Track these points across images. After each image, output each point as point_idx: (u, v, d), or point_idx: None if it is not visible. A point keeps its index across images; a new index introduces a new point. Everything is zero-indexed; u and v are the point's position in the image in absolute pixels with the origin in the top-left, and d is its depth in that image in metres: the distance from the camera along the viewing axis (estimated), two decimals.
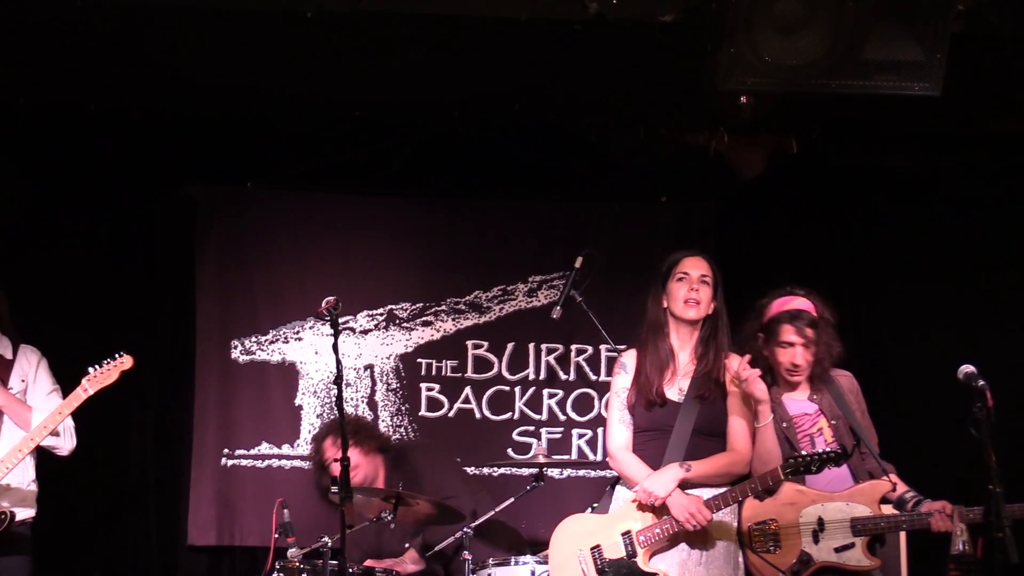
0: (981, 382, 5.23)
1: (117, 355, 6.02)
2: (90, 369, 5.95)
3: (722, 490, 5.31)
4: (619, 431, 5.53)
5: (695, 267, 5.49)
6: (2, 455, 5.87)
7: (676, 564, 5.33)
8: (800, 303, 5.73)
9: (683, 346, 5.52)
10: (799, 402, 5.78)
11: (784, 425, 5.73)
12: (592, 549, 5.39)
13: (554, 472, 7.34)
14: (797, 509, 5.66)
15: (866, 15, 5.32)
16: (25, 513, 6.02)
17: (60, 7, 5.56)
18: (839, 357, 5.80)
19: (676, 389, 5.46)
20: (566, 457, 7.46)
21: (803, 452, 5.29)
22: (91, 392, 5.93)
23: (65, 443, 6.06)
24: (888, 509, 5.67)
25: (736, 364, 5.40)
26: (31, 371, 6.13)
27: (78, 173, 7.30)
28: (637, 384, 5.49)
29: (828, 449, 5.27)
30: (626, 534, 5.36)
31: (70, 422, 6.10)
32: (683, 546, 5.35)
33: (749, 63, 5.38)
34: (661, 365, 5.48)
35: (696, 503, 5.25)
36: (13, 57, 6.12)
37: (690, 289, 5.45)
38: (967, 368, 5.33)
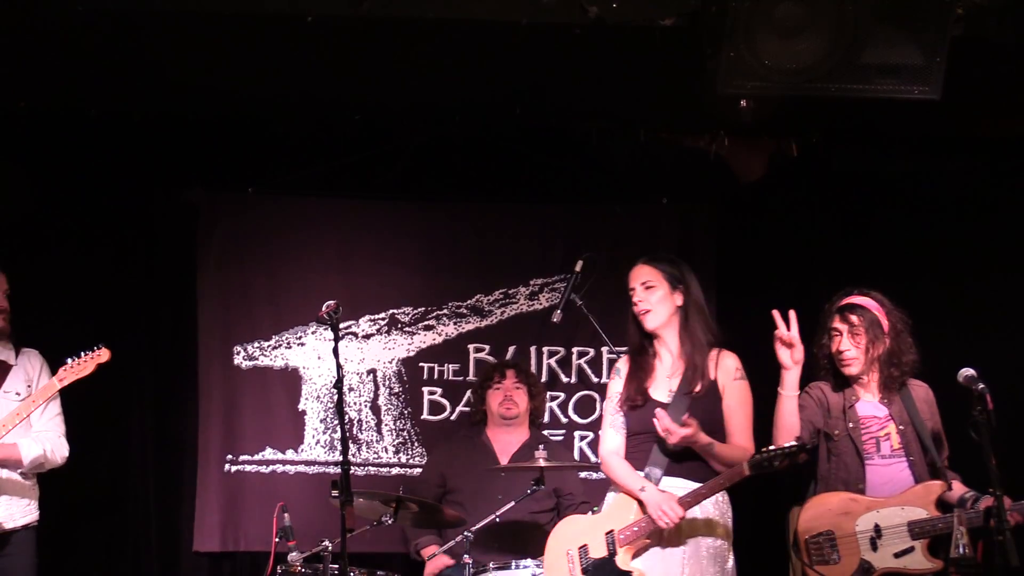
0: (981, 385, 5.24)
1: (95, 347, 6.01)
2: (69, 360, 5.95)
3: (694, 487, 5.31)
4: (610, 436, 5.59)
5: (636, 277, 5.53)
6: None
7: (657, 561, 5.34)
8: (858, 299, 5.81)
9: (665, 347, 5.55)
10: (869, 404, 5.83)
11: (851, 426, 5.77)
12: (580, 549, 5.44)
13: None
14: (852, 518, 5.65)
15: (866, 19, 5.32)
16: (28, 517, 6.03)
17: (61, 11, 5.56)
18: (914, 365, 5.84)
19: (665, 390, 5.48)
20: (568, 460, 7.46)
21: (771, 447, 5.27)
22: (65, 383, 5.93)
23: (53, 457, 6.07)
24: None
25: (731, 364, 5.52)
26: (35, 376, 6.13)
27: (79, 178, 7.30)
28: (627, 388, 5.53)
29: (792, 443, 5.23)
30: (609, 533, 5.39)
31: (56, 430, 6.10)
32: (666, 544, 5.36)
33: (749, 67, 5.38)
34: (647, 368, 5.52)
35: (668, 500, 5.27)
36: (14, 61, 6.12)
37: (636, 302, 5.50)
38: (967, 371, 5.33)
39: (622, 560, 5.33)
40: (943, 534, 5.61)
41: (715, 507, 5.44)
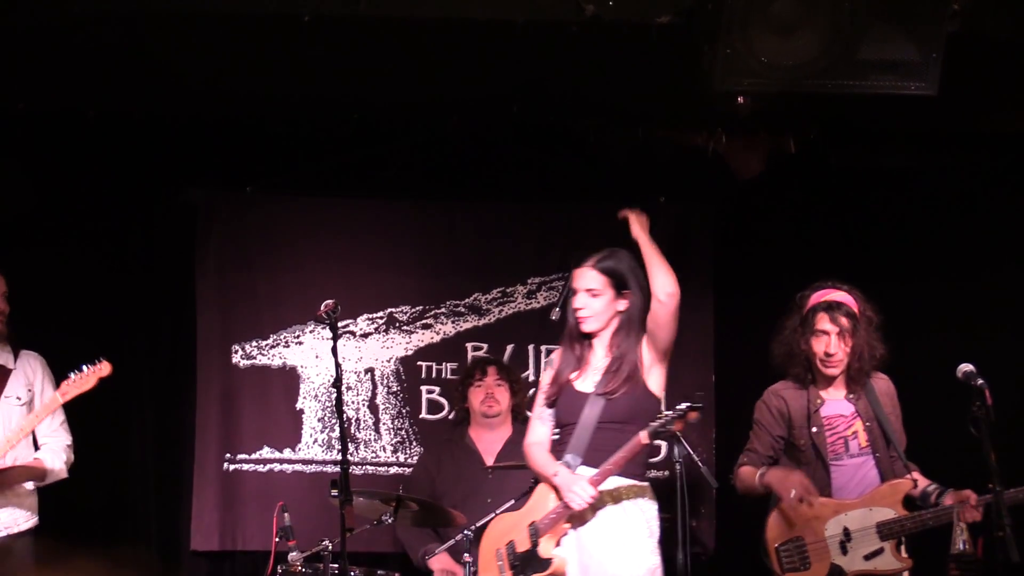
0: (980, 381, 5.25)
1: (96, 361, 6.01)
2: (71, 374, 5.95)
3: (604, 465, 5.25)
4: (534, 427, 5.59)
5: (580, 281, 5.42)
6: None
7: (575, 548, 5.32)
8: (839, 296, 5.77)
9: (598, 343, 5.47)
10: (836, 402, 5.78)
11: (814, 431, 5.74)
12: (507, 545, 5.44)
13: None
14: (821, 522, 5.64)
15: (862, 15, 5.31)
16: (30, 522, 6.03)
17: (59, 12, 5.55)
18: (882, 359, 5.81)
19: (590, 382, 5.41)
20: None
21: (665, 412, 5.23)
22: (68, 397, 5.93)
23: (57, 467, 6.08)
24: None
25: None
26: (37, 380, 6.13)
27: (77, 179, 7.30)
28: (556, 381, 5.50)
29: (682, 406, 5.19)
30: (531, 524, 5.39)
31: (64, 440, 6.12)
32: (586, 526, 5.31)
33: (746, 64, 5.37)
34: (575, 361, 5.46)
35: (578, 480, 5.23)
36: (12, 62, 6.11)
37: (577, 306, 5.41)
38: (966, 367, 5.35)
39: (544, 548, 5.32)
40: (911, 533, 5.62)
41: (635, 505, 5.34)
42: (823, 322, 5.72)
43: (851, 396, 5.78)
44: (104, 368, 6.01)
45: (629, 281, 5.41)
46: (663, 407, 5.33)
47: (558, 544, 5.34)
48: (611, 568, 5.23)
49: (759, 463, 5.89)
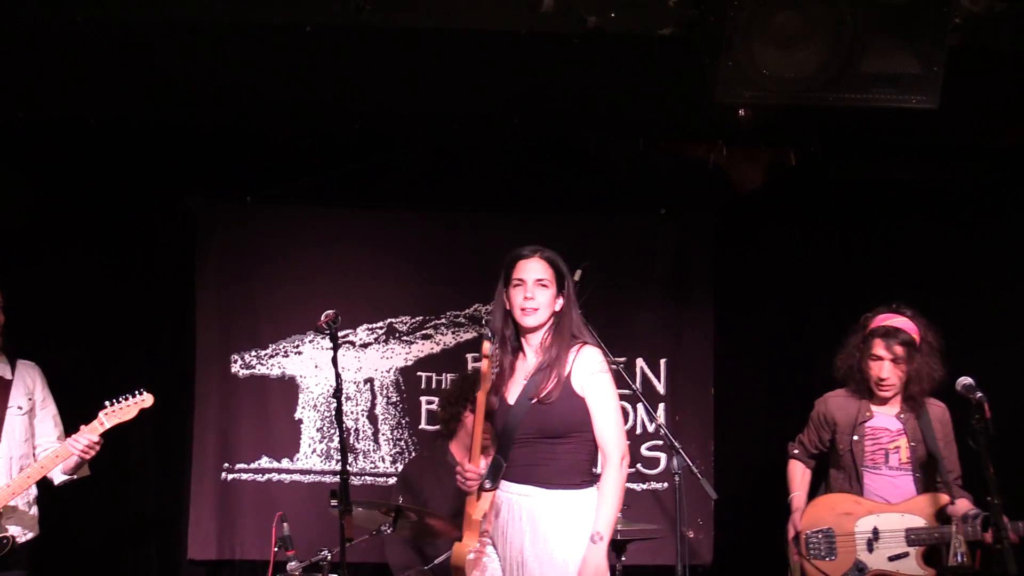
0: (979, 394, 5.27)
1: (137, 392, 5.95)
2: (107, 403, 5.91)
3: (529, 489, 5.03)
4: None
5: (530, 271, 5.10)
6: (3, 474, 5.87)
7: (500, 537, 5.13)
8: (900, 322, 5.89)
9: (531, 347, 5.19)
10: (886, 417, 5.90)
11: (855, 439, 5.83)
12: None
13: None
14: (853, 519, 5.78)
15: (864, 28, 5.32)
16: (32, 532, 6.01)
17: (60, 21, 5.56)
18: (940, 382, 5.87)
19: (519, 390, 5.11)
20: None
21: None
22: (107, 427, 5.88)
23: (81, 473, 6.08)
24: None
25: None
26: (36, 388, 6.11)
27: (78, 187, 7.30)
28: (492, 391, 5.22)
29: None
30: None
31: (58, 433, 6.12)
32: (513, 527, 5.09)
33: (747, 76, 5.38)
34: (508, 366, 5.19)
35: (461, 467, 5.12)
36: (13, 71, 6.12)
37: (525, 297, 5.08)
38: (965, 380, 5.37)
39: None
40: (939, 544, 5.67)
41: (575, 501, 5.04)
42: (878, 348, 5.87)
43: (902, 416, 5.88)
44: (147, 399, 5.93)
45: (567, 280, 5.19)
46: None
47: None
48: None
49: (806, 456, 6.18)
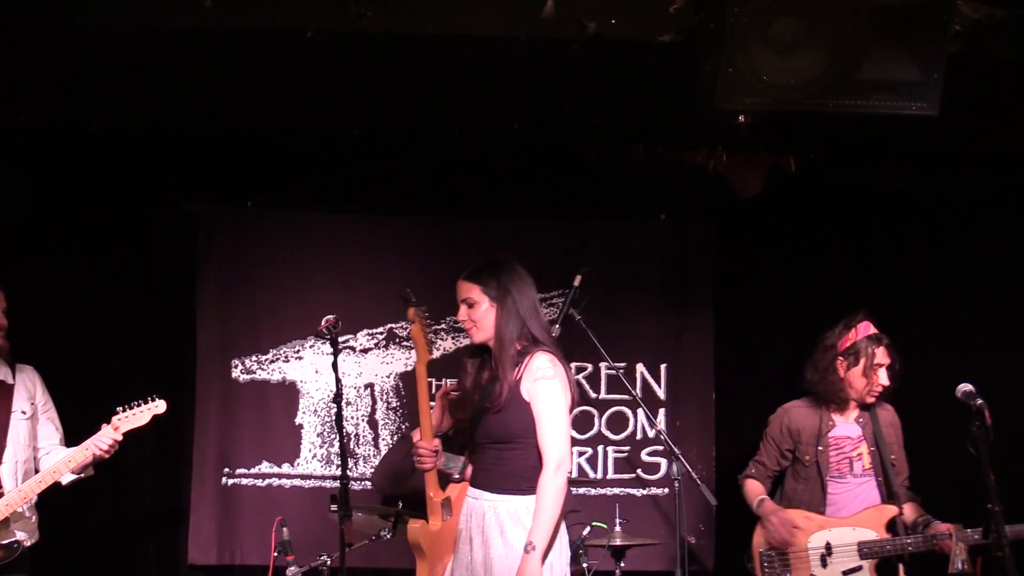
0: (979, 401, 5.28)
1: (150, 398, 5.99)
2: (119, 409, 5.93)
3: (490, 496, 5.13)
4: None
5: (459, 293, 5.32)
6: (9, 479, 5.88)
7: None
8: (874, 328, 5.93)
9: (488, 356, 5.33)
10: (846, 425, 5.95)
11: (820, 450, 5.86)
12: None
13: None
14: (805, 535, 5.79)
15: (864, 35, 5.32)
16: (34, 536, 6.02)
17: (62, 27, 5.57)
18: (891, 386, 6.00)
19: (479, 397, 5.31)
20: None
21: None
22: (121, 432, 5.91)
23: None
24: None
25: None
26: (37, 392, 6.12)
27: (79, 192, 7.31)
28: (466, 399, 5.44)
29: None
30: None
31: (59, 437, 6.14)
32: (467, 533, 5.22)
33: (747, 82, 5.38)
34: (481, 378, 5.34)
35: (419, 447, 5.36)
36: (15, 76, 6.13)
37: (460, 319, 5.33)
38: (965, 387, 5.39)
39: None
40: (891, 556, 5.71)
41: (519, 506, 5.11)
42: (883, 356, 5.98)
43: (860, 420, 5.91)
44: (160, 406, 5.98)
45: (503, 284, 5.27)
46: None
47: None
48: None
49: (764, 476, 6.15)
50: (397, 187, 7.48)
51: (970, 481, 5.33)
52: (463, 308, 5.29)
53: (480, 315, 5.25)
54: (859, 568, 5.80)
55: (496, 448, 5.17)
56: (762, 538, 5.92)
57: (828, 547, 5.80)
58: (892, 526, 5.81)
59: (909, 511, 5.88)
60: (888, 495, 5.89)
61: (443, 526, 5.34)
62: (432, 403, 5.71)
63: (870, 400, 5.96)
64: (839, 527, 5.84)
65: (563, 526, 5.19)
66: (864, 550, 5.79)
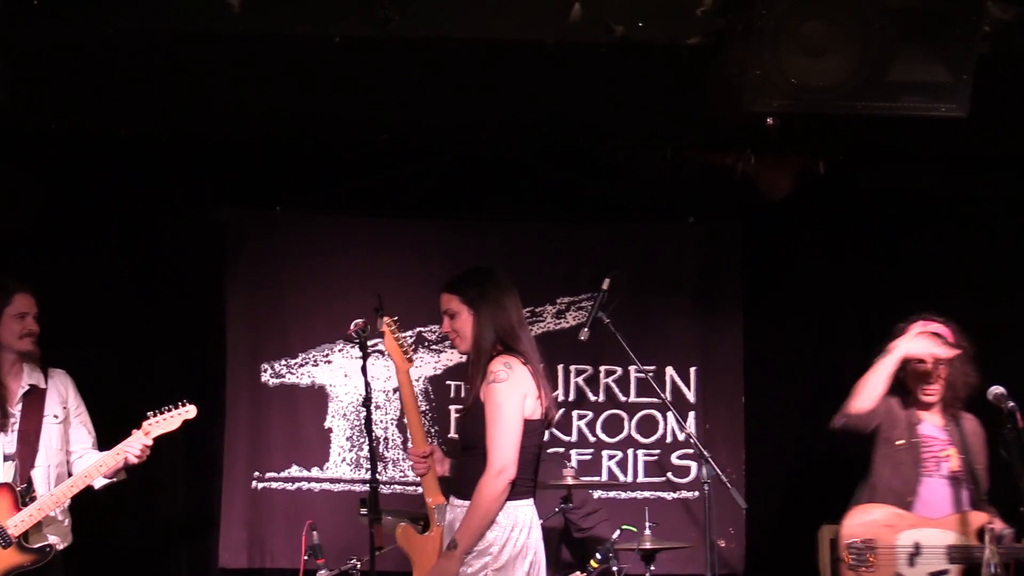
0: (1011, 403, 5.26)
1: (180, 403, 6.01)
2: (149, 414, 5.95)
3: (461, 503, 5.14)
4: None
5: (441, 306, 5.31)
6: (42, 483, 5.91)
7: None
8: (936, 328, 5.91)
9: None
10: (931, 425, 5.93)
11: (914, 440, 5.85)
12: None
13: None
14: (895, 531, 5.78)
15: (892, 37, 5.31)
16: (67, 540, 6.05)
17: (92, 32, 5.60)
18: (974, 389, 5.94)
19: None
20: (596, 479, 7.45)
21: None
22: (152, 437, 5.93)
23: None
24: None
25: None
26: (69, 397, 6.15)
27: (109, 197, 7.35)
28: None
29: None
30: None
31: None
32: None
33: (775, 85, 5.37)
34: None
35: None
36: (44, 82, 6.15)
37: (443, 330, 5.34)
38: (996, 389, 5.37)
39: None
40: (980, 564, 5.65)
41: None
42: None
43: (948, 427, 5.90)
44: (191, 411, 6.00)
45: (473, 298, 5.25)
46: None
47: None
48: None
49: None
50: (425, 191, 7.49)
51: (1002, 483, 5.32)
52: (446, 320, 5.30)
53: (460, 325, 5.26)
54: (946, 572, 5.76)
55: (464, 454, 5.19)
56: (852, 530, 5.86)
57: (917, 547, 5.77)
58: (981, 534, 5.77)
59: (999, 522, 5.85)
60: (976, 501, 5.87)
61: (433, 532, 5.28)
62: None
63: (926, 398, 5.94)
64: (929, 528, 5.81)
65: (540, 545, 5.13)
66: (953, 554, 5.76)
